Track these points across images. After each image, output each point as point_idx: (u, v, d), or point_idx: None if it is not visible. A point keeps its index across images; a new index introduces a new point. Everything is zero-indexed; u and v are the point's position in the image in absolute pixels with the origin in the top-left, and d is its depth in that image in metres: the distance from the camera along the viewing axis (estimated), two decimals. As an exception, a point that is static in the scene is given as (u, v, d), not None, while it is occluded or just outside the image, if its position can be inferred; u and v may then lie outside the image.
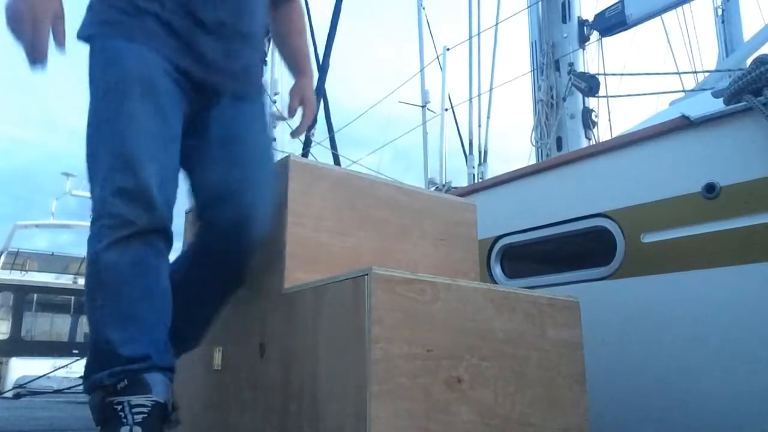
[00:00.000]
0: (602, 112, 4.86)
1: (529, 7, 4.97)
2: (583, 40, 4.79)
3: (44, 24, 1.19)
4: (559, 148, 4.29)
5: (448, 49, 5.63)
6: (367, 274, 1.16)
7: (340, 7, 5.22)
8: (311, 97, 1.74)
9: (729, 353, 1.65)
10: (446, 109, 5.64)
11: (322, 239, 1.46)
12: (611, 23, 4.69)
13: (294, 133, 1.70)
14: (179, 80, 1.37)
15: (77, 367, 9.85)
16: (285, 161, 1.49)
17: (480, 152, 5.57)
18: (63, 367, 9.20)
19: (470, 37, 5.16)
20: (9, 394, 8.71)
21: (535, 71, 4.77)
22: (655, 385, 1.79)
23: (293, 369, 1.33)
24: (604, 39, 4.95)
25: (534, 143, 4.41)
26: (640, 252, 1.77)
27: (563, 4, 4.81)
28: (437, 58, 6.18)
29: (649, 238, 1.87)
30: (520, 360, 1.36)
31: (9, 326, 11.66)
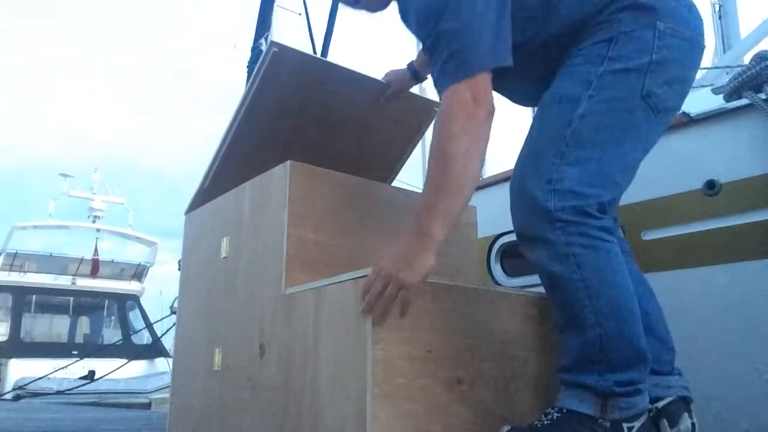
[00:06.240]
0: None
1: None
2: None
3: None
4: (558, 145, 4.27)
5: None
6: (367, 275, 1.16)
7: (338, 3, 5.20)
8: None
9: (729, 351, 1.65)
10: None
11: (322, 240, 1.46)
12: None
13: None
14: None
15: (76, 368, 9.85)
16: (284, 163, 1.48)
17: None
18: (62, 368, 9.19)
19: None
20: (9, 396, 8.72)
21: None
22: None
23: (293, 369, 1.32)
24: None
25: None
26: (640, 249, 1.76)
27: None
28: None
29: (649, 236, 1.86)
30: (520, 361, 1.36)
31: (8, 327, 11.64)
